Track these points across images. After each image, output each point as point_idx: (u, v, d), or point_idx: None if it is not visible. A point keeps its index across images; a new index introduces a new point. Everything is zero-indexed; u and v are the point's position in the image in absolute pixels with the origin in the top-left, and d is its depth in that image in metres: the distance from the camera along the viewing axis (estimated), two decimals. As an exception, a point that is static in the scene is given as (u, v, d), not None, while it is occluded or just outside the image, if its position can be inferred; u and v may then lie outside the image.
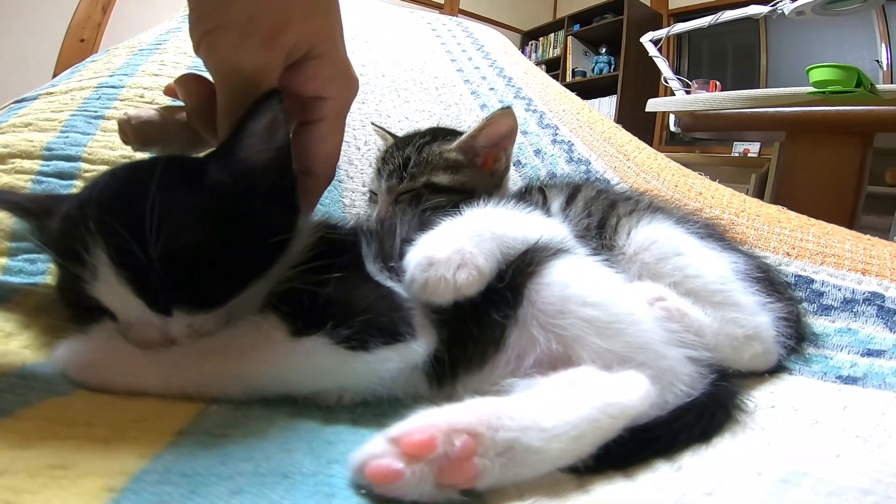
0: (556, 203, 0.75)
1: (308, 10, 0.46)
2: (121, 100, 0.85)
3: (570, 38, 5.56)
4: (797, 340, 0.67)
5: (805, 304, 0.84)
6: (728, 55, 4.92)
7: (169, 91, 0.53)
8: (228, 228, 0.42)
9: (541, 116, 1.30)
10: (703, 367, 0.48)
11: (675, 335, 0.48)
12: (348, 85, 0.52)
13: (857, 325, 0.80)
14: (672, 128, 2.43)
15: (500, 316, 0.47)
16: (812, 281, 0.90)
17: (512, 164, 0.92)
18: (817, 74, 1.70)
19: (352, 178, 1.00)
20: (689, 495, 0.35)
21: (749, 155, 4.31)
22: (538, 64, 4.74)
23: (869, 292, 0.84)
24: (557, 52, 5.72)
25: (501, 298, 0.47)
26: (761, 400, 0.53)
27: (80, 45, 3.41)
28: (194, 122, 0.50)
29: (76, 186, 0.67)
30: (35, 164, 0.68)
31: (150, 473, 0.29)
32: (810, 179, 1.85)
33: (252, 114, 0.43)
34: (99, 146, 0.74)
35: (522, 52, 4.15)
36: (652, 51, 2.50)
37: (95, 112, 0.80)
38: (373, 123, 1.02)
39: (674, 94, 2.50)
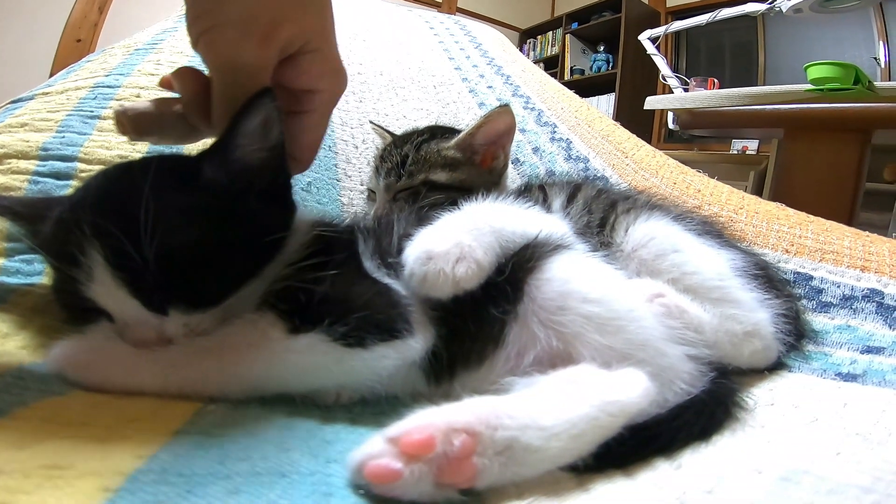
0: (558, 201, 0.75)
1: (302, 8, 0.47)
2: (117, 99, 0.85)
3: (568, 36, 5.55)
4: (796, 337, 0.67)
5: (804, 301, 0.84)
6: (726, 53, 4.92)
7: (164, 83, 0.54)
8: (223, 227, 0.42)
9: (539, 114, 1.30)
10: (703, 364, 0.47)
11: (675, 332, 0.48)
12: (338, 79, 0.53)
13: (856, 322, 0.80)
14: (670, 125, 2.43)
15: (500, 312, 0.47)
16: (811, 278, 0.90)
17: (510, 162, 0.91)
18: (815, 72, 1.70)
19: (350, 176, 1.00)
20: (689, 493, 0.35)
21: (747, 152, 4.31)
22: (536, 62, 4.74)
23: (868, 289, 0.84)
24: (555, 50, 5.71)
25: (501, 294, 0.47)
26: (761, 397, 0.53)
27: (76, 45, 3.40)
28: (190, 114, 0.51)
29: (72, 186, 0.67)
30: (31, 165, 0.67)
31: (146, 473, 0.29)
32: (809, 176, 1.85)
33: (245, 112, 0.43)
34: (95, 146, 0.73)
35: (521, 50, 4.15)
36: (650, 48, 2.50)
37: (91, 112, 0.80)
38: (371, 122, 1.02)
39: (672, 92, 2.49)
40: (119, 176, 0.45)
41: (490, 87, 1.39)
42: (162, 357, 0.40)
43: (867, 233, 0.99)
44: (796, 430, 0.48)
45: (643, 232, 0.65)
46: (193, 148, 0.54)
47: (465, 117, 1.25)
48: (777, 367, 0.63)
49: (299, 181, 0.88)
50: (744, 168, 3.65)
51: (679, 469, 0.39)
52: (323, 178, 0.96)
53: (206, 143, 0.48)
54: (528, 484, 0.35)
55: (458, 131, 0.82)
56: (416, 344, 0.45)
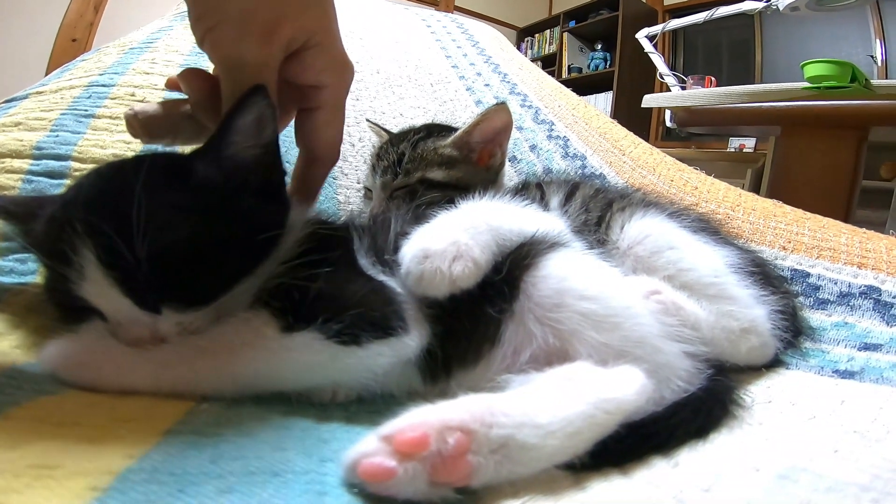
0: (555, 199, 0.74)
1: (303, 4, 0.48)
2: (111, 98, 0.85)
3: (565, 34, 5.56)
4: (794, 335, 0.67)
5: (801, 299, 0.84)
6: (723, 51, 4.92)
7: (171, 84, 0.55)
8: (216, 225, 0.42)
9: (536, 112, 1.30)
10: (700, 361, 0.47)
11: (672, 329, 0.48)
12: (343, 73, 0.54)
13: (853, 319, 0.80)
14: (668, 123, 2.43)
15: (496, 311, 0.47)
16: (808, 275, 0.89)
17: (507, 160, 0.91)
18: (812, 70, 1.70)
19: (346, 174, 1.00)
20: (687, 492, 0.35)
21: (745, 150, 4.32)
22: (534, 60, 4.74)
23: (865, 286, 0.84)
24: (553, 48, 5.72)
25: (497, 292, 0.47)
26: (758, 395, 0.53)
27: (72, 44, 3.39)
28: (198, 114, 0.52)
29: (66, 185, 0.66)
30: (25, 164, 0.67)
31: (137, 472, 0.29)
32: (806, 174, 1.85)
33: (237, 110, 0.43)
34: (89, 145, 0.73)
35: (518, 48, 4.15)
36: (647, 47, 2.50)
37: (86, 111, 0.80)
38: (367, 120, 1.02)
39: (669, 90, 2.50)
40: (111, 174, 0.44)
41: (487, 84, 1.39)
42: (155, 356, 0.39)
43: (864, 230, 0.99)
44: (794, 427, 0.48)
45: (638, 229, 0.65)
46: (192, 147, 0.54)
47: (462, 115, 1.25)
48: (774, 364, 0.63)
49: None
50: (741, 166, 3.65)
51: (676, 467, 0.38)
52: (319, 177, 0.95)
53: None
54: (524, 482, 0.34)
55: (455, 129, 0.81)
56: (412, 341, 0.44)
